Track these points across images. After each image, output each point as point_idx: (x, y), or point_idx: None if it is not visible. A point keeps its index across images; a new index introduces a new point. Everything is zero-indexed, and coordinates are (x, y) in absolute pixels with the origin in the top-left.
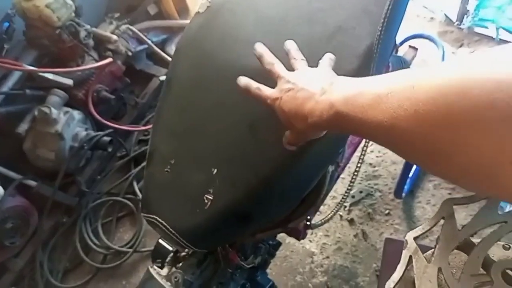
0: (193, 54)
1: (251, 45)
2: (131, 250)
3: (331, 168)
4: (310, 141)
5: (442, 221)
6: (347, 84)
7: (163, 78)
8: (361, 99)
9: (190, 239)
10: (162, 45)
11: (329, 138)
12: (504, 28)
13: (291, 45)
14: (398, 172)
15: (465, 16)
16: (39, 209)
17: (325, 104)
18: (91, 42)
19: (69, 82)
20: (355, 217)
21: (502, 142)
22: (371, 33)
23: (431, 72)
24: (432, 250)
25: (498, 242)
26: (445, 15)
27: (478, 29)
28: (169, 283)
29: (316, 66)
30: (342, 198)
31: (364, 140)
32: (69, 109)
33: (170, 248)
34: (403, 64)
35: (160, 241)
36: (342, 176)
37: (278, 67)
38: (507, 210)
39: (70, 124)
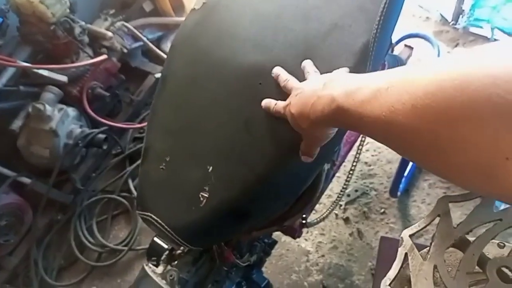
0: (188, 51)
1: (247, 42)
2: (126, 248)
3: (326, 166)
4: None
5: (437, 219)
6: (348, 79)
7: (158, 75)
8: (361, 93)
9: (186, 237)
10: (157, 42)
11: None
12: (499, 28)
13: (306, 62)
14: (394, 171)
15: (461, 16)
16: (34, 207)
17: (327, 99)
18: (86, 38)
19: (64, 78)
20: (351, 215)
21: (497, 137)
22: (367, 31)
23: (430, 67)
24: (428, 248)
25: (493, 241)
26: (441, 14)
27: (473, 29)
28: (164, 281)
29: None
30: (338, 196)
31: (359, 139)
32: (63, 106)
33: (166, 246)
34: (398, 63)
35: (156, 239)
36: (337, 174)
37: (291, 81)
38: (501, 208)
39: (65, 121)
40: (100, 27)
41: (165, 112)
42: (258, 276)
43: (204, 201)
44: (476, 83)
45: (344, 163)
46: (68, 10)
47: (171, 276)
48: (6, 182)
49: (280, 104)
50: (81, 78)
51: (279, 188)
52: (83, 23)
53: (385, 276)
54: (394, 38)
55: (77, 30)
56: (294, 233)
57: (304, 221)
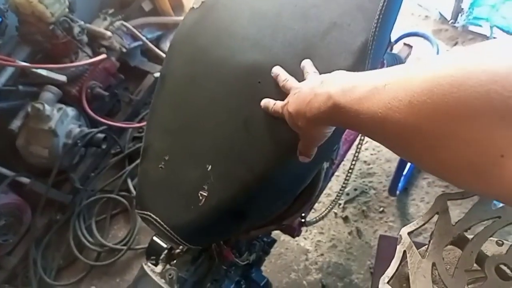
0: (187, 50)
1: (245, 41)
2: (125, 247)
3: (325, 165)
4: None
5: (436, 217)
6: (345, 77)
7: (157, 74)
8: (358, 90)
9: (184, 236)
10: (156, 41)
11: None
12: (498, 27)
13: (306, 62)
14: (393, 170)
15: (460, 15)
16: (33, 207)
17: (323, 96)
18: (85, 38)
19: (63, 78)
20: (350, 214)
21: (493, 134)
22: (366, 30)
23: (428, 65)
24: (426, 245)
25: (492, 238)
26: (440, 13)
27: (472, 28)
28: (163, 280)
29: None
30: (337, 195)
31: (358, 138)
32: (62, 105)
33: (165, 245)
34: (397, 61)
35: (155, 238)
36: (336, 173)
37: (290, 81)
38: (500, 205)
39: (64, 121)
40: (99, 26)
41: (164, 112)
42: (257, 275)
43: (203, 200)
44: (473, 79)
45: (343, 162)
46: (67, 10)
47: (170, 275)
48: (5, 182)
49: (278, 104)
50: (80, 77)
51: (278, 187)
52: (82, 22)
53: (383, 274)
54: (393, 37)
55: (76, 30)
56: (293, 232)
57: (303, 220)
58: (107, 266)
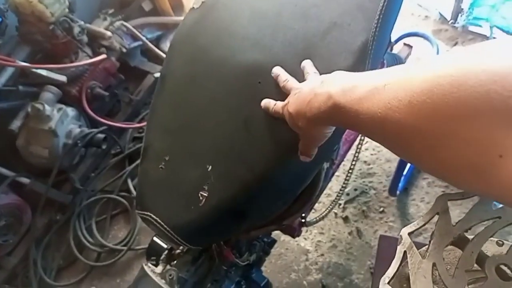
0: (187, 50)
1: (246, 41)
2: (125, 248)
3: (326, 165)
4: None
5: (436, 217)
6: (345, 77)
7: (157, 74)
8: (358, 90)
9: (185, 236)
10: (156, 41)
11: None
12: (497, 27)
13: (306, 62)
14: (393, 170)
15: (460, 15)
16: (33, 207)
17: (323, 96)
18: (85, 38)
19: (63, 78)
20: (350, 214)
21: (492, 134)
22: (366, 29)
23: (427, 64)
24: (427, 246)
25: (492, 239)
26: (440, 13)
27: (472, 28)
28: (163, 281)
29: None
30: (337, 195)
31: (359, 138)
32: (62, 105)
33: (165, 246)
34: (397, 61)
35: (155, 238)
36: (336, 173)
37: (291, 81)
38: (500, 206)
39: (64, 121)
40: (99, 26)
41: (164, 111)
42: (258, 275)
43: (204, 200)
44: (473, 79)
45: (343, 162)
46: (67, 10)
47: (170, 275)
48: (5, 182)
49: (279, 105)
50: (80, 77)
51: (278, 187)
52: (82, 22)
53: (384, 274)
54: (393, 37)
55: (76, 30)
56: (294, 232)
57: (303, 220)
58: (107, 266)
